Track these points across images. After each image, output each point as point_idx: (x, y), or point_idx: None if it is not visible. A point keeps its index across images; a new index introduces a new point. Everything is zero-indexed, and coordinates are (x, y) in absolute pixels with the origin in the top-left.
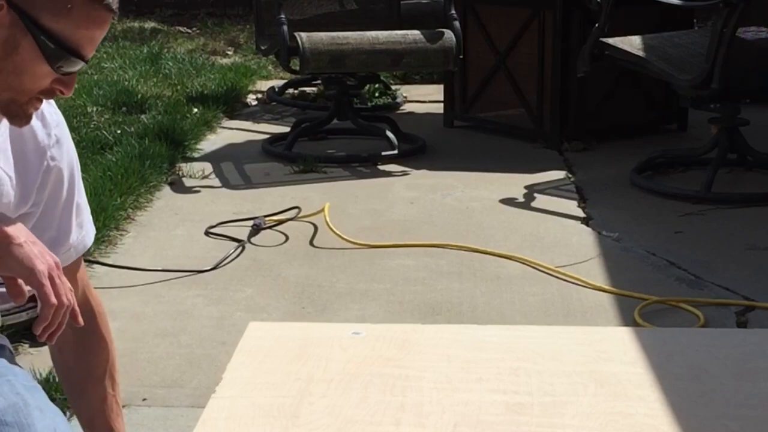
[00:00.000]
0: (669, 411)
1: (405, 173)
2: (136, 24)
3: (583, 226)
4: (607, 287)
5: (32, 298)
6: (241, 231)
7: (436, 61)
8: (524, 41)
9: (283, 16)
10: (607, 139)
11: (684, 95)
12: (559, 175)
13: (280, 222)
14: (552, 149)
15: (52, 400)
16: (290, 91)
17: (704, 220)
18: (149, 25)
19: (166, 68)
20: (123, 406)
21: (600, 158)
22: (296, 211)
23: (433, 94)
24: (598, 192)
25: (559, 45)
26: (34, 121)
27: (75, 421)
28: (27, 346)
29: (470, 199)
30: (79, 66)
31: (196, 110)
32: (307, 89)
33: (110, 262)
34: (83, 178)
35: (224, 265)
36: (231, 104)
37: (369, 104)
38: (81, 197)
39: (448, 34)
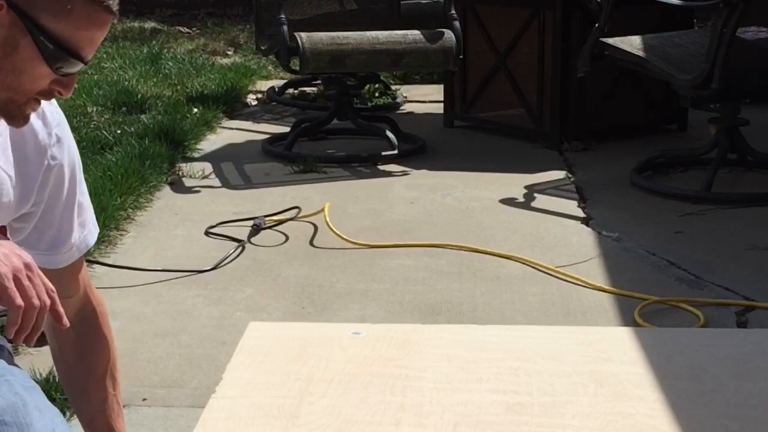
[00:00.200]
0: (669, 411)
1: (405, 173)
2: (136, 24)
3: (583, 226)
4: (607, 287)
5: None
6: (241, 231)
7: (436, 61)
8: (524, 41)
9: (283, 16)
10: (607, 139)
11: (684, 95)
12: (559, 175)
13: (280, 222)
14: (552, 149)
15: (52, 400)
16: (290, 91)
17: (704, 220)
18: (149, 25)
19: (166, 68)
20: (123, 406)
21: (600, 158)
22: (296, 211)
23: (433, 94)
24: (598, 192)
25: (559, 45)
26: (35, 121)
27: (75, 421)
28: (27, 346)
29: (470, 199)
30: (78, 67)
31: (196, 110)
32: (307, 89)
33: (110, 262)
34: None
35: (224, 265)
36: (231, 104)
37: (369, 104)
38: (83, 196)
39: (448, 34)
